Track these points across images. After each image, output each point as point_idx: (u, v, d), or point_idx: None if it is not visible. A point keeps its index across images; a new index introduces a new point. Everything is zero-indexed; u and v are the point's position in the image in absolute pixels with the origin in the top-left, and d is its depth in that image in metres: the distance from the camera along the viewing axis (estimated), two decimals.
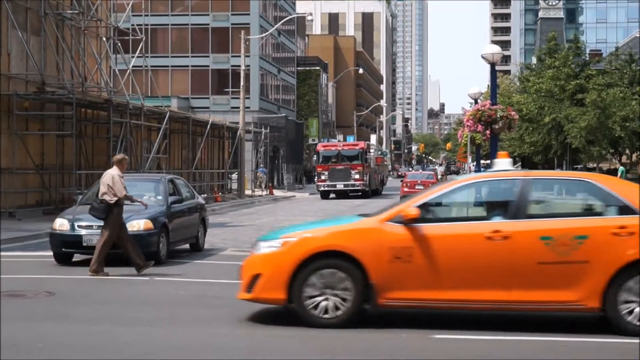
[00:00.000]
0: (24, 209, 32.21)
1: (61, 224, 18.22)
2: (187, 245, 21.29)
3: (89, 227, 17.87)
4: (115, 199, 16.28)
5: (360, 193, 57.11)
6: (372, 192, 59.11)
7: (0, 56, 31.39)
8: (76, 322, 11.47)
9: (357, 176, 55.85)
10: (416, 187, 50.01)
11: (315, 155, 59.30)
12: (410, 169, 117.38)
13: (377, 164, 65.79)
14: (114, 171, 16.56)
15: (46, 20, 34.21)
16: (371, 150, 63.35)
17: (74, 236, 17.91)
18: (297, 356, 9.57)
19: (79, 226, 17.95)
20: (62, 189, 35.15)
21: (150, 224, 18.07)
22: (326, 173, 56.34)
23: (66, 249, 18.18)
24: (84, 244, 17.79)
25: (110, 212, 16.33)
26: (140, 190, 20.46)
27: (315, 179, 59.88)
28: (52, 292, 14.02)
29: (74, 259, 18.62)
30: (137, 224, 17.94)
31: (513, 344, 10.34)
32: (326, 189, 57.09)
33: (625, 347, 10.22)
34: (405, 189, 50.86)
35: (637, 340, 10.17)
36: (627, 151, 64.77)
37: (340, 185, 56.37)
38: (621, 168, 53.26)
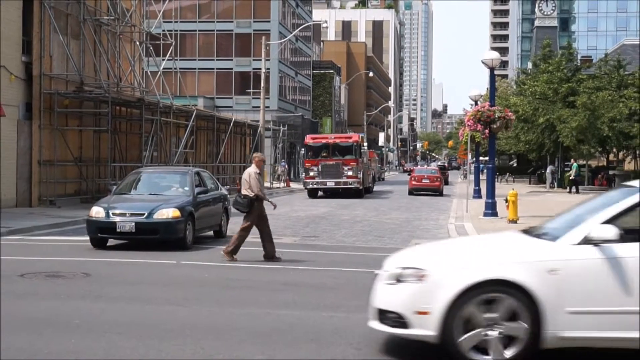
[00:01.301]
0: (64, 198, 32.33)
1: (97, 212, 18.25)
2: (211, 233, 21.31)
3: (123, 214, 17.95)
4: (254, 193, 16.41)
5: (353, 192, 46.02)
6: (365, 190, 48.41)
7: (43, 58, 31.49)
8: (110, 301, 11.51)
9: (350, 173, 45.37)
10: (422, 180, 51.93)
11: (303, 149, 48.85)
12: (417, 165, 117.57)
13: (369, 158, 57.22)
14: (251, 169, 16.73)
15: (85, 26, 34.29)
16: (364, 144, 53.42)
17: (108, 223, 17.94)
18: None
19: (113, 214, 17.97)
20: (98, 180, 35.24)
21: (177, 213, 18.08)
22: (315, 169, 45.69)
23: (101, 235, 18.22)
24: (118, 230, 17.87)
25: (252, 206, 16.46)
26: (169, 181, 20.55)
27: (303, 175, 49.09)
28: (89, 274, 14.07)
29: (108, 244, 18.70)
30: (166, 212, 17.99)
31: None
32: (314, 186, 46.12)
33: None
34: (413, 182, 52.05)
35: None
36: (614, 149, 64.48)
37: (331, 183, 45.63)
38: (575, 164, 53.27)
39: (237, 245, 16.59)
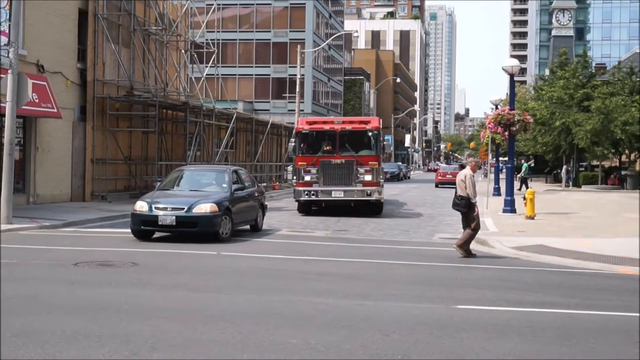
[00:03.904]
0: (114, 193, 32.60)
1: (141, 206, 18.31)
2: (248, 227, 21.31)
3: (164, 209, 17.99)
4: (472, 192, 16.55)
5: (370, 207, 28.64)
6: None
7: (96, 65, 31.77)
8: (156, 288, 11.58)
9: (368, 177, 27.31)
10: (446, 176, 60.09)
11: (293, 139, 29.23)
12: (441, 164, 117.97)
13: None
14: (467, 171, 16.91)
15: (135, 35, 34.54)
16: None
17: (151, 216, 17.97)
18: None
19: (156, 208, 18.02)
20: (146, 177, 35.48)
21: (215, 207, 18.11)
22: (313, 170, 27.51)
23: (145, 227, 18.26)
24: (160, 223, 17.89)
25: (470, 206, 16.61)
26: (209, 179, 20.53)
27: (294, 180, 29.44)
28: (137, 263, 14.17)
29: (154, 236, 18.78)
30: (204, 207, 18.02)
31: (525, 314, 10.25)
32: (312, 198, 27.75)
33: (626, 319, 10.10)
34: (439, 177, 61.13)
35: (637, 314, 10.04)
36: (627, 151, 63.80)
37: (337, 193, 27.44)
38: (524, 164, 52.45)
39: (466, 241, 16.72)
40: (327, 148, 27.89)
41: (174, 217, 17.84)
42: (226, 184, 19.79)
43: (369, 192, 27.45)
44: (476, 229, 16.78)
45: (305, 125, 28.72)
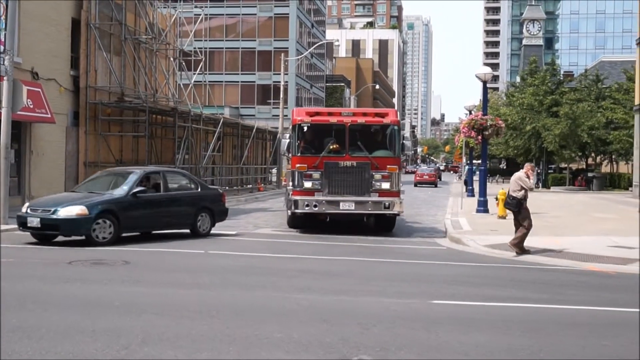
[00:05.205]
0: None
1: (24, 207, 17.79)
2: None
3: (35, 210, 17.18)
4: (523, 194, 16.86)
5: (385, 222, 22.05)
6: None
7: (89, 72, 31.62)
8: (147, 286, 11.54)
9: (385, 185, 20.57)
10: (424, 177, 66.86)
11: (288, 134, 23.92)
12: (419, 166, 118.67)
13: None
14: (521, 173, 17.23)
15: (126, 44, 34.40)
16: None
17: (23, 217, 17.28)
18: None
19: (30, 209, 17.31)
20: None
21: (84, 210, 16.81)
22: (315, 175, 20.64)
23: (23, 228, 17.45)
24: (28, 225, 17.10)
25: (521, 205, 16.87)
26: (116, 181, 18.87)
27: (289, 186, 21.58)
28: (128, 261, 14.11)
29: (56, 239, 17.68)
30: (71, 210, 16.83)
31: (498, 309, 10.30)
32: (313, 210, 20.58)
33: (594, 313, 10.16)
34: (417, 178, 66.97)
35: (637, 310, 10.12)
36: (593, 154, 64.28)
37: (347, 204, 20.49)
38: (467, 167, 51.89)
39: (520, 240, 16.95)
40: (334, 146, 20.82)
41: (39, 219, 16.86)
42: (126, 186, 18.07)
43: (386, 204, 20.51)
44: (529, 228, 16.93)
45: (305, 116, 21.37)
